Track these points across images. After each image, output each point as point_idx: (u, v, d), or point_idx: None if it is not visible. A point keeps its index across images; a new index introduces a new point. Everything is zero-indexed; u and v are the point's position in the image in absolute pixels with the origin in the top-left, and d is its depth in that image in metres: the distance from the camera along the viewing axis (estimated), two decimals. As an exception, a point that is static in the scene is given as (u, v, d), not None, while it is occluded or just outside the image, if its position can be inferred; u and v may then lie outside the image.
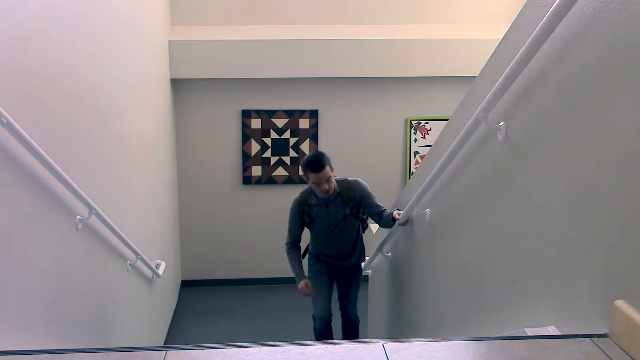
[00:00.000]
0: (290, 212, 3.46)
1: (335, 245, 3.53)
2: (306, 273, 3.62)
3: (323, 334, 3.67)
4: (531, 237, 1.74)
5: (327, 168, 3.16)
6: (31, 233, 1.89)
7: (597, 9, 1.41)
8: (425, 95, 5.16)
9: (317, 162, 3.14)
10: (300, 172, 3.36)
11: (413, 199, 2.85)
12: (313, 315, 3.71)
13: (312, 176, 3.15)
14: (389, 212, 3.25)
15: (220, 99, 5.02)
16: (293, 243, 3.55)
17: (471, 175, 2.27)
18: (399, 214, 3.10)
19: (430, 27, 4.97)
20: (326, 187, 3.17)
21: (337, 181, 3.34)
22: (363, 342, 1.37)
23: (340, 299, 3.79)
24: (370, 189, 3.37)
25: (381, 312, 4.04)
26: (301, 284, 3.52)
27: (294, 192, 5.34)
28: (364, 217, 3.56)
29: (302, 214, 3.43)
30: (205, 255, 5.42)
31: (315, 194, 3.32)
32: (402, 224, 3.06)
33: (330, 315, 3.65)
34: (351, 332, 3.84)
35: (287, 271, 5.92)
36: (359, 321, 3.83)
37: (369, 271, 4.40)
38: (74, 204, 2.26)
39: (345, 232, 3.47)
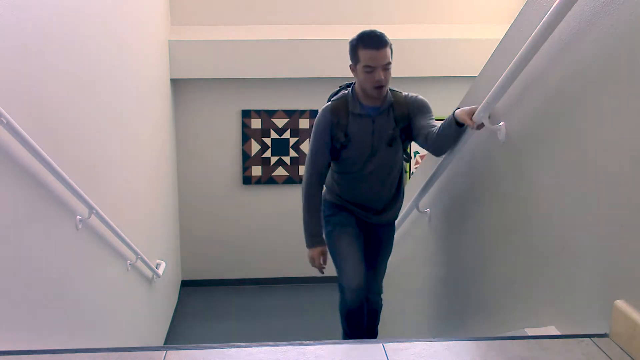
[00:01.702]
0: (315, 129, 2.41)
1: (373, 186, 2.48)
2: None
3: (354, 314, 2.53)
4: (531, 237, 1.74)
5: (389, 50, 2.22)
6: (31, 233, 1.89)
7: (597, 8, 1.41)
8: (425, 95, 5.15)
9: (376, 37, 2.19)
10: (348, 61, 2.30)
11: (413, 199, 2.85)
12: (340, 285, 2.55)
13: (365, 56, 2.19)
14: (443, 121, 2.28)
15: (220, 99, 5.02)
16: (317, 179, 2.46)
17: (471, 175, 2.27)
18: (469, 114, 2.03)
19: (430, 27, 4.96)
20: (382, 77, 2.21)
21: (390, 90, 2.41)
22: (363, 342, 1.37)
23: (367, 269, 2.59)
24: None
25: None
26: (314, 252, 2.50)
27: (294, 192, 5.26)
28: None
29: (335, 130, 2.36)
30: (205, 255, 5.42)
31: (359, 101, 2.35)
32: (479, 127, 2.02)
33: (363, 283, 2.53)
34: (370, 321, 2.78)
35: (287, 271, 5.98)
36: (381, 306, 2.84)
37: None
38: (74, 204, 2.26)
39: (389, 166, 2.46)
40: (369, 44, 2.18)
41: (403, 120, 2.40)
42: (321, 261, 2.53)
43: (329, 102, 2.43)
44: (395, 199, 2.57)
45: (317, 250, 2.51)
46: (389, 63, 2.22)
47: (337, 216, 2.56)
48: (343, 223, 2.55)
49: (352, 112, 2.36)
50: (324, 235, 2.56)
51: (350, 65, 2.30)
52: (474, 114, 2.00)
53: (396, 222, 2.74)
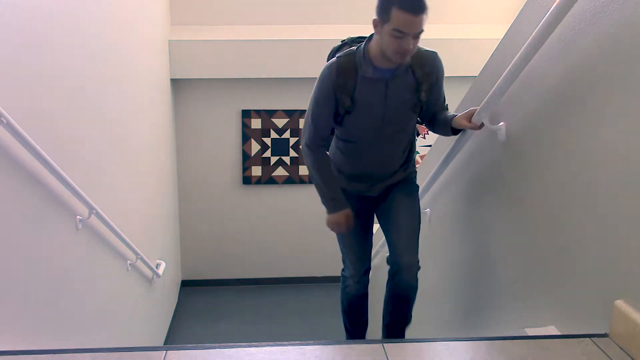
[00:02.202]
0: (317, 90, 2.07)
1: (380, 158, 2.20)
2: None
3: (355, 305, 2.41)
4: (531, 236, 1.74)
5: (425, 16, 1.87)
6: (31, 233, 1.89)
7: (597, 8, 1.41)
8: (425, 95, 5.15)
9: (417, 1, 1.83)
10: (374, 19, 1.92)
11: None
12: (343, 273, 2.43)
13: (399, 18, 1.83)
14: (450, 114, 2.15)
15: (220, 99, 5.02)
16: (319, 145, 2.16)
17: (471, 175, 2.27)
18: (467, 118, 2.01)
19: (430, 27, 4.95)
20: (411, 46, 1.88)
21: None
22: (363, 343, 1.37)
23: (393, 243, 2.24)
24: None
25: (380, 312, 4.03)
26: (339, 216, 2.18)
27: (294, 192, 5.25)
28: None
29: (340, 94, 2.03)
30: (205, 256, 5.42)
31: (372, 62, 1.99)
32: (479, 127, 1.99)
33: (368, 270, 2.40)
34: (400, 308, 2.26)
35: (287, 271, 5.99)
36: (416, 289, 2.21)
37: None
38: (74, 204, 2.26)
39: (400, 136, 2.16)
40: (407, 5, 1.82)
41: (426, 79, 2.06)
42: (347, 227, 2.21)
43: (335, 59, 2.05)
44: (404, 168, 2.26)
45: (342, 215, 2.17)
46: (422, 31, 1.87)
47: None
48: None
49: (362, 76, 2.01)
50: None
51: (374, 20, 1.92)
52: (472, 116, 1.98)
53: (465, 128, 2.13)
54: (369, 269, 2.38)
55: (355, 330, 2.51)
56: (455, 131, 2.14)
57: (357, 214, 2.25)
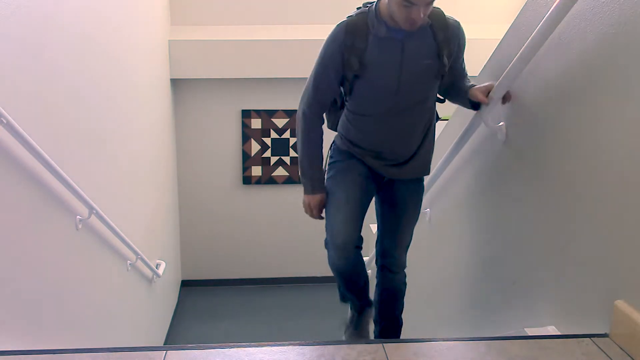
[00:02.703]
0: (323, 47, 1.90)
1: (395, 133, 1.96)
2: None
3: (345, 272, 2.09)
4: (531, 236, 1.74)
5: None
6: (31, 233, 1.89)
7: (597, 8, 1.41)
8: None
9: None
10: None
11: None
12: (326, 240, 2.11)
13: None
14: (469, 83, 1.98)
15: (220, 99, 5.02)
16: (316, 112, 1.97)
17: (471, 175, 2.27)
18: (484, 92, 1.86)
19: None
20: (421, 16, 1.72)
21: None
22: (363, 343, 1.37)
23: (384, 236, 2.15)
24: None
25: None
26: (313, 199, 2.03)
27: (294, 192, 5.25)
28: None
29: (348, 54, 1.84)
30: (205, 255, 5.42)
31: (384, 22, 1.80)
32: (504, 101, 1.87)
33: (357, 244, 2.02)
34: (390, 305, 2.19)
35: (287, 271, 5.99)
36: (404, 285, 2.20)
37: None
38: (74, 204, 2.26)
39: (420, 108, 1.94)
40: None
41: (447, 44, 1.86)
42: (319, 212, 2.07)
43: (345, 19, 1.88)
44: (423, 149, 2.00)
45: (316, 198, 2.02)
46: (433, 1, 1.71)
47: (345, 162, 2.04)
48: (350, 169, 2.03)
49: (376, 35, 1.80)
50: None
51: None
52: (489, 91, 1.84)
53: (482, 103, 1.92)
54: (356, 236, 2.01)
55: (352, 292, 2.20)
56: (474, 105, 1.95)
57: (369, 174, 2.03)
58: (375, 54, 1.83)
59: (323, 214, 2.08)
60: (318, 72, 1.92)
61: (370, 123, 1.96)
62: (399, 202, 2.09)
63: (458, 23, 1.95)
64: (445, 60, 1.87)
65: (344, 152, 2.04)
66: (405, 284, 2.20)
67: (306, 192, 2.06)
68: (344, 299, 2.29)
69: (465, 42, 1.98)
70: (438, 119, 2.08)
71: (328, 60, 1.88)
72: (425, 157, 2.05)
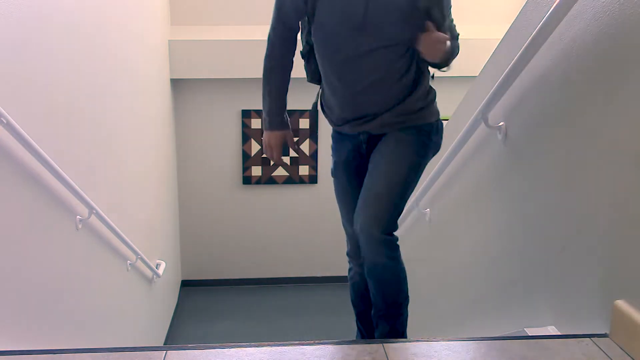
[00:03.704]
0: None
1: (362, 81, 1.69)
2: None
3: (360, 296, 1.95)
4: (531, 236, 1.74)
5: None
6: (31, 233, 1.89)
7: (597, 8, 1.41)
8: (425, 95, 5.15)
9: None
10: None
11: (413, 199, 2.85)
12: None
13: None
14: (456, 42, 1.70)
15: (220, 99, 5.02)
16: (280, 34, 1.77)
17: (471, 175, 2.27)
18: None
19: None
20: None
21: None
22: (363, 343, 1.37)
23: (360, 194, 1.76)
24: None
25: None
26: (271, 136, 1.84)
27: (294, 192, 5.26)
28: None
29: None
30: (205, 255, 5.42)
31: None
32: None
33: None
34: (376, 290, 1.74)
35: (287, 271, 5.99)
36: (390, 268, 1.70)
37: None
38: (74, 204, 2.26)
39: (389, 54, 1.64)
40: None
41: None
42: (279, 153, 1.83)
43: None
44: (402, 105, 1.69)
45: (275, 135, 1.80)
46: None
47: (334, 151, 1.91)
48: (336, 161, 1.90)
49: None
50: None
51: None
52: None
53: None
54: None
55: (366, 329, 1.99)
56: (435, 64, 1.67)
57: (346, 164, 1.85)
58: None
59: (280, 157, 1.86)
60: (278, 3, 1.71)
61: (334, 73, 1.71)
62: (374, 154, 1.74)
63: None
64: (423, 2, 1.55)
65: (333, 135, 1.92)
66: (393, 258, 1.68)
67: (265, 127, 1.87)
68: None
69: None
70: (433, 77, 1.79)
71: None
72: (407, 107, 1.69)
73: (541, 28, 1.56)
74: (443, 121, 1.89)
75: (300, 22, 1.75)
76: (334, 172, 1.93)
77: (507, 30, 2.00)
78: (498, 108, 1.93)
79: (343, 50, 1.66)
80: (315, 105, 1.94)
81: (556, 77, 1.61)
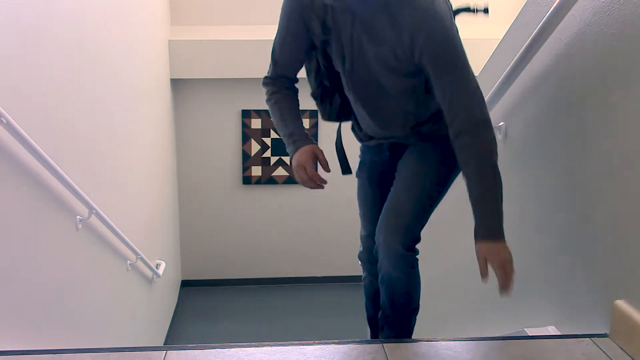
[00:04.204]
0: (281, 13, 1.56)
1: (365, 116, 1.65)
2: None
3: (363, 258, 1.92)
4: (531, 236, 1.74)
5: None
6: (31, 233, 1.89)
7: (597, 8, 1.41)
8: (425, 95, 5.15)
9: None
10: None
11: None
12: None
13: None
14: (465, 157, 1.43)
15: (220, 99, 5.02)
16: (278, 79, 1.68)
17: (471, 175, 2.26)
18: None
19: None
20: None
21: None
22: (363, 343, 1.37)
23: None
24: (456, 43, 1.39)
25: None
26: (299, 157, 1.59)
27: (294, 192, 5.25)
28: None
29: (309, 15, 1.49)
30: (205, 255, 5.42)
31: None
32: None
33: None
34: (385, 305, 1.69)
35: (287, 271, 5.99)
36: (400, 279, 1.63)
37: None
38: (74, 204, 2.26)
39: (386, 95, 1.54)
40: None
41: (404, 45, 1.37)
42: (311, 167, 1.57)
43: None
44: (412, 131, 1.62)
45: (303, 150, 1.57)
46: None
47: (361, 151, 1.86)
48: (362, 161, 1.86)
49: None
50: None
51: None
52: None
53: None
54: (368, 230, 1.85)
55: (375, 333, 1.94)
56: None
57: (370, 167, 1.82)
58: (332, 19, 1.45)
59: (319, 181, 1.62)
60: (279, 40, 1.59)
61: (354, 106, 1.66)
62: (400, 165, 1.68)
63: (431, 13, 1.34)
64: (402, 57, 1.39)
65: (361, 149, 1.87)
66: (409, 273, 1.63)
67: (290, 152, 1.63)
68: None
69: (437, 34, 1.35)
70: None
71: (287, 22, 1.54)
72: (433, 128, 1.60)
73: (541, 28, 1.56)
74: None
75: (305, 64, 1.67)
76: (358, 173, 1.88)
77: (507, 30, 2.00)
78: (498, 108, 1.93)
79: (352, 91, 1.62)
80: (338, 142, 1.86)
81: (556, 77, 1.61)
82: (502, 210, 1.41)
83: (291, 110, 1.66)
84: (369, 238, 1.84)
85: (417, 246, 1.64)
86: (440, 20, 1.35)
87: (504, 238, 1.40)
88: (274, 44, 1.61)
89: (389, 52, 1.42)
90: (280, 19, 1.56)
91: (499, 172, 1.43)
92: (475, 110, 1.38)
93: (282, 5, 1.53)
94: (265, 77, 1.70)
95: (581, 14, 1.47)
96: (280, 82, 1.66)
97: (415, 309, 1.74)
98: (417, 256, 1.64)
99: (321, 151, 1.60)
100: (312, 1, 1.45)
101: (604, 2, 1.38)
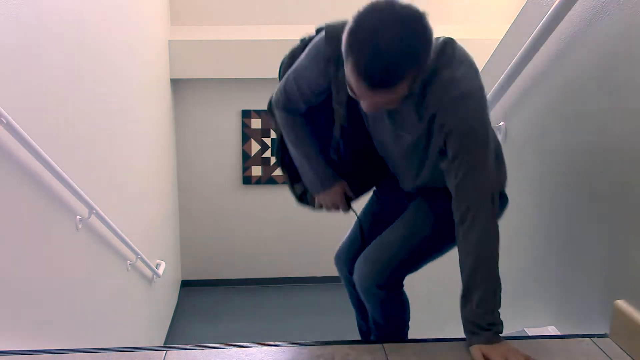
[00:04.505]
0: (305, 60, 1.50)
1: (391, 165, 1.61)
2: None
3: (353, 303, 1.92)
4: (531, 236, 1.74)
5: (403, 85, 1.16)
6: (31, 233, 1.89)
7: (597, 9, 1.41)
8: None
9: (379, 66, 1.12)
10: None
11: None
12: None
13: (353, 80, 1.19)
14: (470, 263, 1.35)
15: (220, 99, 5.02)
16: (290, 113, 1.60)
17: (471, 175, 2.26)
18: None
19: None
20: (372, 109, 1.26)
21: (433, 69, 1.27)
22: (363, 342, 1.37)
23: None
24: (486, 133, 1.26)
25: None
26: (332, 193, 1.65)
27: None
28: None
29: (329, 84, 1.45)
30: (205, 255, 5.42)
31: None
32: None
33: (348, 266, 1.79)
34: (375, 317, 1.69)
35: (287, 271, 5.99)
36: (376, 309, 1.64)
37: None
38: (74, 204, 2.26)
39: (404, 152, 1.47)
40: (363, 74, 1.15)
41: (429, 124, 1.33)
42: (344, 204, 1.65)
43: (327, 39, 1.41)
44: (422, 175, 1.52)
45: (333, 191, 1.62)
46: (400, 96, 1.20)
47: (369, 199, 1.84)
48: (368, 206, 1.83)
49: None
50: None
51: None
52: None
53: None
54: (344, 256, 1.82)
55: (354, 305, 1.95)
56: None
57: (374, 204, 1.78)
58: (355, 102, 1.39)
59: (341, 205, 1.68)
60: (293, 84, 1.54)
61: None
62: (409, 205, 1.65)
63: (459, 100, 1.25)
64: (420, 137, 1.36)
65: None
66: (377, 306, 1.62)
67: (317, 191, 1.66)
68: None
69: (471, 127, 1.25)
70: None
71: (306, 77, 1.50)
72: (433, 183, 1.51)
73: (541, 28, 1.56)
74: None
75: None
76: (363, 212, 1.85)
77: (507, 30, 2.00)
78: (498, 108, 1.93)
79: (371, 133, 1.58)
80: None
81: (556, 77, 1.61)
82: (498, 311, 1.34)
83: (312, 143, 1.61)
84: (338, 260, 1.83)
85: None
86: (473, 109, 1.25)
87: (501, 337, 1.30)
88: (289, 78, 1.55)
89: (411, 140, 1.40)
90: (303, 65, 1.51)
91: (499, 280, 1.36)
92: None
93: (309, 56, 1.48)
94: (276, 103, 1.62)
95: (581, 14, 1.47)
96: (293, 112, 1.61)
97: (402, 327, 1.71)
98: (393, 291, 1.58)
99: (346, 184, 1.64)
100: (338, 74, 1.40)
101: (604, 2, 1.39)
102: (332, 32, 1.41)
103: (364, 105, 1.24)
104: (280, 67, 1.69)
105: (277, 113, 1.63)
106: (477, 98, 1.26)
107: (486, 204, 1.30)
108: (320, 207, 1.73)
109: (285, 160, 1.78)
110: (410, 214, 1.59)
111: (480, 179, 1.28)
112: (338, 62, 1.36)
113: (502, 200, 1.52)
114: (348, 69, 1.19)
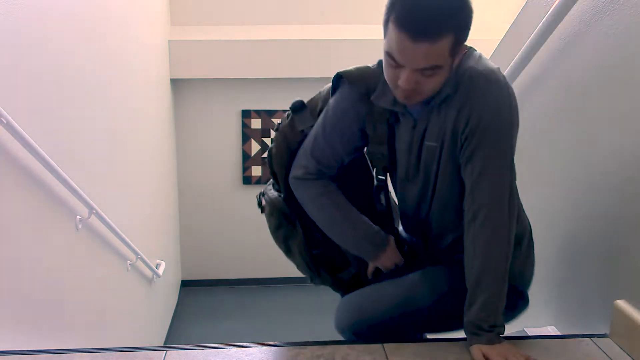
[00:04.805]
0: (333, 112, 1.47)
1: (417, 223, 1.51)
2: None
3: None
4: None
5: (442, 45, 1.15)
6: (31, 233, 1.89)
7: (597, 9, 1.41)
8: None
9: (422, 14, 1.14)
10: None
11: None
12: None
13: (393, 38, 1.18)
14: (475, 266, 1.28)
15: (220, 99, 5.02)
16: (321, 175, 1.51)
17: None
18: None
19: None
20: (408, 86, 1.21)
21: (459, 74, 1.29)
22: (363, 342, 1.37)
23: None
24: (509, 132, 1.24)
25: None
26: (387, 255, 1.52)
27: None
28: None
29: (363, 125, 1.43)
30: (205, 256, 5.42)
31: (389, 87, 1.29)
32: None
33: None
34: None
35: (287, 271, 5.95)
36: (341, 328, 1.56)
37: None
38: (74, 204, 2.26)
39: (439, 204, 1.41)
40: (405, 23, 1.14)
41: (455, 130, 1.29)
42: (400, 259, 1.53)
43: (354, 79, 1.40)
44: (451, 232, 1.46)
45: (389, 251, 1.53)
46: (435, 67, 1.18)
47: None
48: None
49: (384, 108, 1.36)
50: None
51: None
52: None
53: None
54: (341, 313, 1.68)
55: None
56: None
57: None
58: (383, 129, 1.41)
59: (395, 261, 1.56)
60: (326, 145, 1.49)
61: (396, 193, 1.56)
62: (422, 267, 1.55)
63: (495, 94, 1.25)
64: (446, 145, 1.31)
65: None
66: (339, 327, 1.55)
67: (372, 256, 1.54)
68: None
69: (492, 133, 1.23)
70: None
71: (340, 131, 1.46)
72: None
73: (541, 28, 1.56)
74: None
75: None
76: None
77: (507, 30, 2.00)
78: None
79: (399, 184, 1.54)
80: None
81: (556, 77, 1.61)
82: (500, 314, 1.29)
83: (352, 208, 1.52)
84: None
85: None
86: (496, 107, 1.25)
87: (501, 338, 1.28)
88: (318, 143, 1.50)
89: (436, 142, 1.35)
90: (332, 121, 1.47)
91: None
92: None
93: (337, 110, 1.46)
94: (304, 176, 1.52)
95: (581, 14, 1.47)
96: (325, 177, 1.52)
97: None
98: (371, 338, 1.46)
99: (393, 237, 1.56)
100: (372, 113, 1.40)
101: (604, 2, 1.39)
102: (349, 73, 1.42)
103: (402, 79, 1.20)
104: (270, 158, 1.64)
105: (306, 186, 1.52)
106: (505, 88, 1.26)
107: (502, 206, 1.26)
108: (375, 274, 1.58)
109: (317, 255, 1.68)
110: (417, 276, 1.49)
111: (500, 175, 1.25)
112: (368, 96, 1.37)
113: (524, 300, 1.47)
114: (389, 29, 1.19)
